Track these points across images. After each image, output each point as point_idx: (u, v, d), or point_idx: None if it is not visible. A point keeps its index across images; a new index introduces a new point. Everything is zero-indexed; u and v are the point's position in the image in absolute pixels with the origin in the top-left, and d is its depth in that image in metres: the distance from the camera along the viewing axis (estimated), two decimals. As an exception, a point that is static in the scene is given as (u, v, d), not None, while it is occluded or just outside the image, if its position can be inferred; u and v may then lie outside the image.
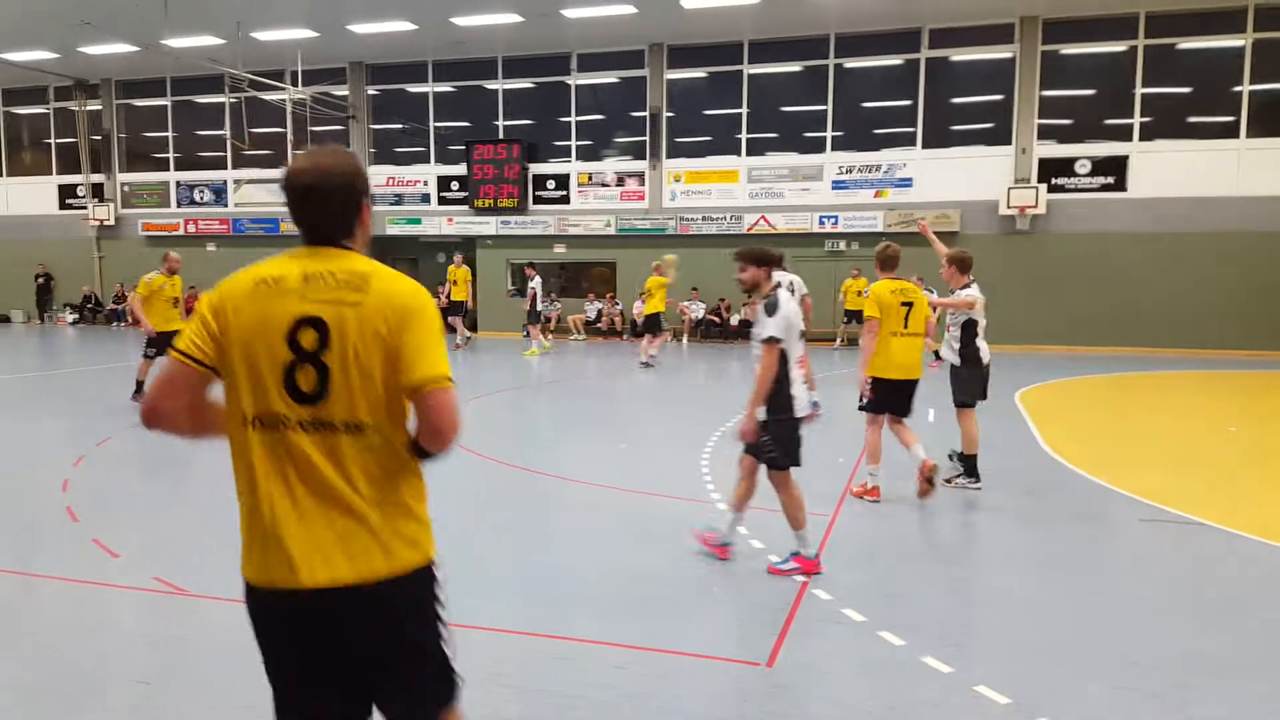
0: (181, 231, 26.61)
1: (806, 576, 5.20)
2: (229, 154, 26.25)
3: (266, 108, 24.73)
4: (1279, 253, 18.84)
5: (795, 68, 22.09)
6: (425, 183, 25.03)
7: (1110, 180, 19.97)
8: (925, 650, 4.19)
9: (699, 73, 22.81)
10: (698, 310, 22.37)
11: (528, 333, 19.79)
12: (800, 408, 5.27)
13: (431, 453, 2.18)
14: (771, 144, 22.39)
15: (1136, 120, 19.84)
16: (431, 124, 24.76)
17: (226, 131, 25.61)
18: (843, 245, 21.68)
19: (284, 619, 2.12)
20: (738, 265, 5.36)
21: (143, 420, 2.19)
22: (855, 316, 19.93)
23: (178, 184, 27.06)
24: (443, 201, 24.86)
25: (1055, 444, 9.26)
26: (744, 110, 22.34)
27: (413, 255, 26.77)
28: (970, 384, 7.44)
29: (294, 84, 22.74)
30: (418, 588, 2.17)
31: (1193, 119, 19.75)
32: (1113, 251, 19.81)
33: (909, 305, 6.95)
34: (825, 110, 21.78)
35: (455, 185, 24.64)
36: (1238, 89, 19.22)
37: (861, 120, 21.73)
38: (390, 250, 26.38)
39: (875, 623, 4.53)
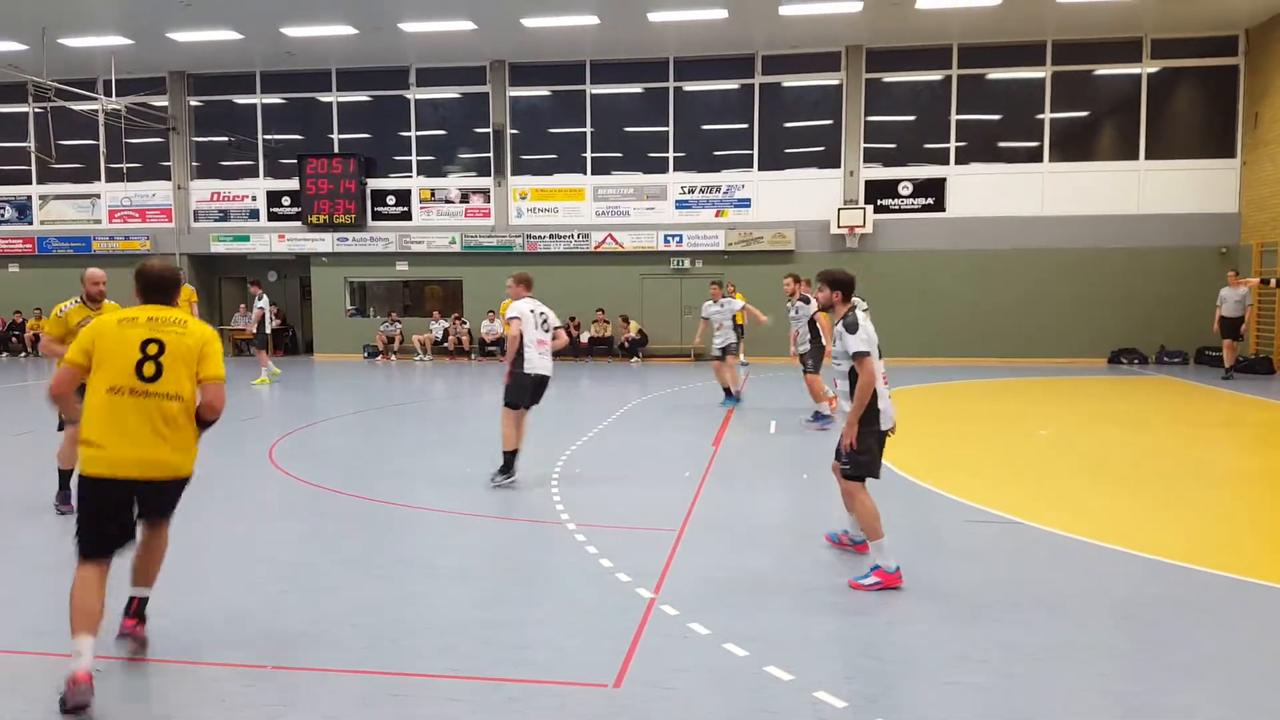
0: (-22, 252, 24.24)
1: (888, 587, 5.25)
2: (34, 168, 24.15)
3: (77, 119, 22.97)
4: (1080, 267, 20.58)
5: (637, 89, 22.44)
6: (254, 198, 23.82)
7: (930, 201, 21.28)
8: (768, 659, 4.24)
9: (542, 91, 22.80)
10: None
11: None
12: (885, 421, 5.43)
13: (207, 420, 4.16)
14: (616, 163, 22.62)
15: (953, 145, 21.24)
16: (260, 137, 23.62)
17: (31, 144, 23.54)
18: (688, 263, 22.11)
19: (107, 494, 3.96)
20: (817, 285, 5.76)
21: (51, 397, 4.17)
22: (738, 331, 20.27)
23: (-28, 200, 24.66)
24: (273, 217, 23.71)
25: (885, 451, 9.67)
26: (588, 129, 22.47)
27: (240, 274, 25.41)
28: (515, 389, 7.92)
29: (107, 94, 21.15)
30: (181, 485, 4.21)
31: (1002, 144, 21.35)
32: (934, 268, 21.10)
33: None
34: (667, 131, 22.21)
35: (287, 200, 23.57)
36: (1040, 117, 20.92)
37: (702, 142, 22.28)
38: (216, 269, 24.99)
39: (720, 635, 4.56)
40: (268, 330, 17.23)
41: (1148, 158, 20.52)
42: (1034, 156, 21.04)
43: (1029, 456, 9.78)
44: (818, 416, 11.38)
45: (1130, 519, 7.00)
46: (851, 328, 5.43)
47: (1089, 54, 20.59)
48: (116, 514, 3.99)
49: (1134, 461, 9.38)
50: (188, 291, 16.93)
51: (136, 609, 4.37)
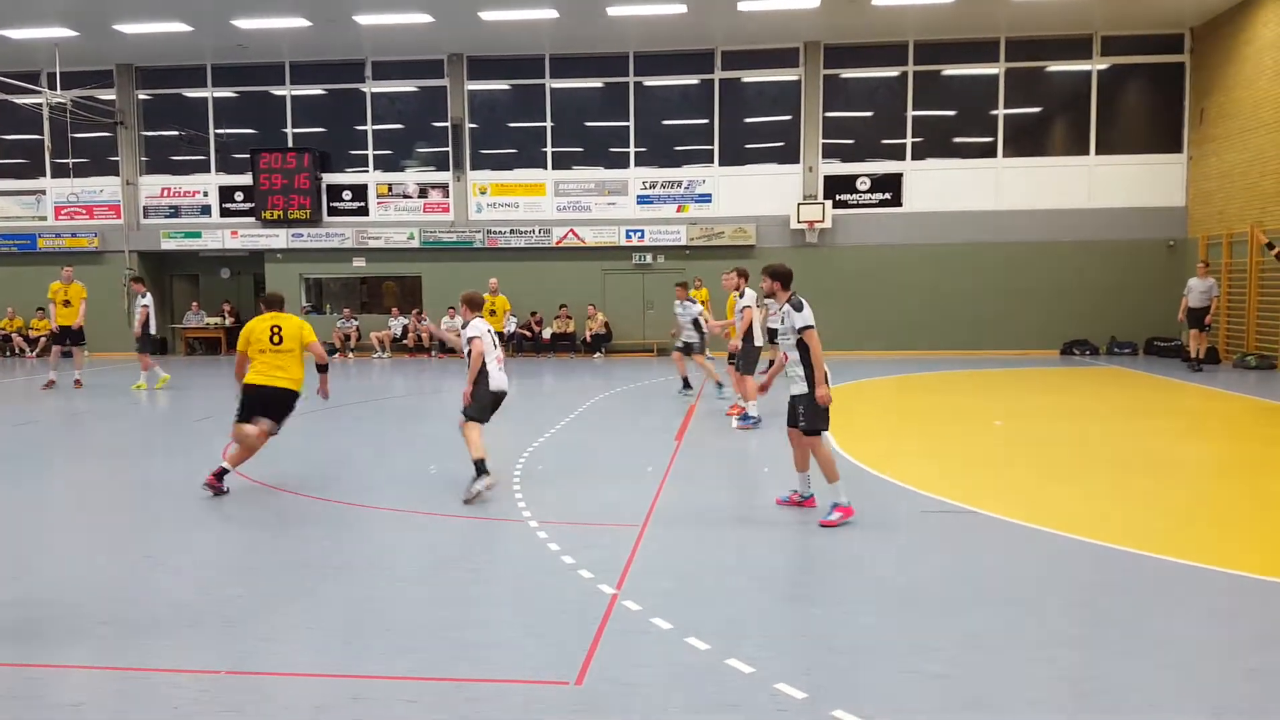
0: (-85, 249, 23.53)
1: (847, 519, 6.52)
2: (-27, 163, 23.50)
3: (20, 112, 22.35)
4: (1033, 260, 20.95)
5: (597, 84, 22.36)
6: (205, 193, 23.38)
7: (887, 196, 21.50)
8: (729, 653, 4.25)
9: (501, 85, 22.64)
10: (509, 325, 22.10)
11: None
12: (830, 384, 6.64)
13: (321, 365, 8.43)
14: (577, 158, 22.53)
15: (909, 141, 21.48)
16: (211, 131, 23.18)
17: (-30, 138, 22.90)
18: (650, 259, 22.11)
19: (260, 395, 7.89)
20: (763, 276, 6.96)
21: (236, 369, 8.12)
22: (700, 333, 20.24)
23: (-92, 195, 23.91)
24: (225, 213, 23.30)
25: (845, 443, 9.78)
26: (548, 124, 22.36)
27: (192, 271, 24.94)
28: (478, 407, 7.76)
29: (51, 87, 20.62)
30: (296, 391, 8.06)
31: (957, 140, 21.62)
32: (892, 262, 21.33)
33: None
34: (628, 126, 22.17)
35: (240, 196, 23.17)
36: (994, 113, 21.23)
37: (663, 137, 22.28)
38: (167, 267, 24.51)
39: (682, 629, 4.56)
40: (151, 331, 15.76)
41: (1098, 153, 20.92)
42: (988, 152, 21.34)
43: (985, 447, 9.92)
44: (745, 417, 10.97)
45: (1083, 507, 7.14)
46: (798, 306, 6.60)
47: (1041, 50, 20.93)
48: (258, 405, 7.89)
49: (1087, 451, 9.56)
50: (78, 289, 15.79)
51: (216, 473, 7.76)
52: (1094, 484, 8.02)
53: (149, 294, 15.87)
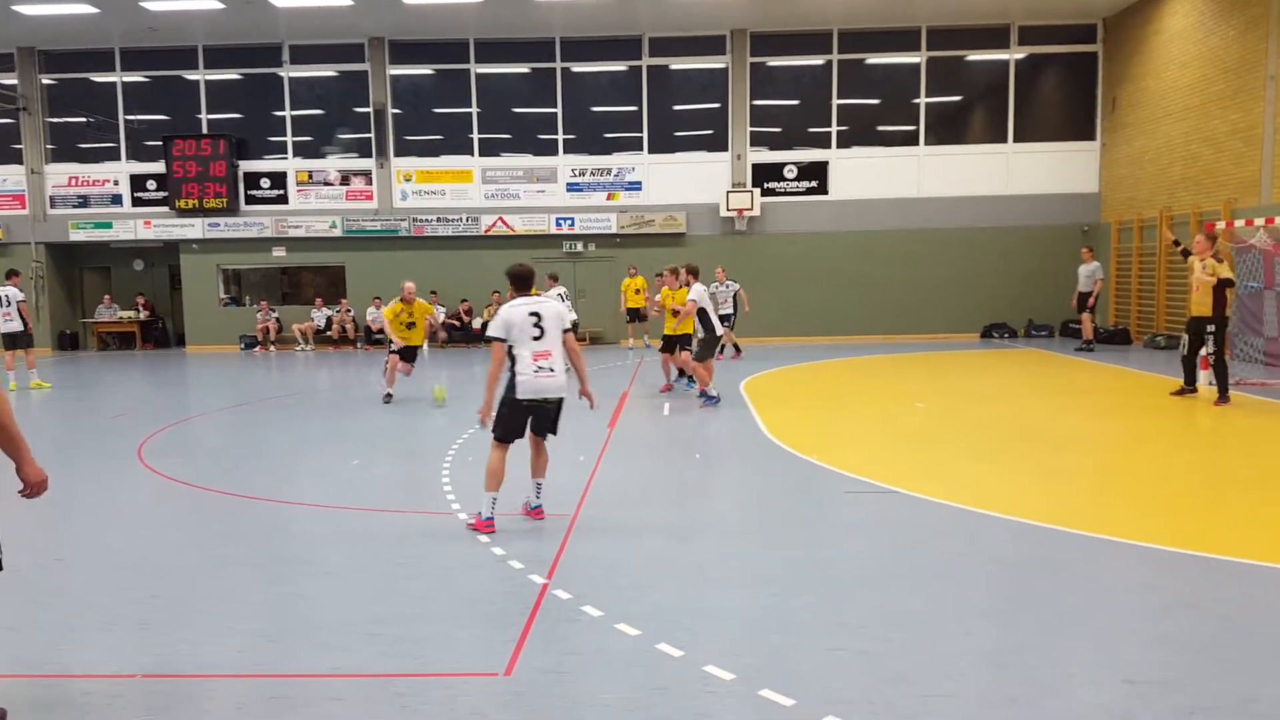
0: None
1: (479, 532, 6.09)
2: None
3: (-88, 96, 21.18)
4: (954, 246, 21.46)
5: (523, 69, 22.11)
6: (116, 182, 22.46)
7: (814, 184, 21.77)
8: (659, 637, 4.27)
9: (425, 70, 22.22)
10: (438, 314, 21.78)
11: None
12: (524, 391, 6.10)
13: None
14: (505, 145, 22.27)
15: (834, 129, 21.76)
16: (121, 117, 22.26)
17: None
18: (580, 246, 22.01)
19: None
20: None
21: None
22: (635, 315, 20.26)
23: None
24: (138, 203, 22.43)
25: (774, 428, 9.90)
26: (475, 110, 22.04)
27: (103, 264, 23.96)
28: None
29: (-55, 69, 19.58)
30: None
31: (881, 128, 21.98)
32: (818, 249, 21.62)
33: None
34: (556, 113, 21.98)
35: (153, 184, 22.32)
36: (916, 101, 21.63)
37: (592, 124, 22.14)
38: (77, 259, 23.51)
39: (612, 616, 4.56)
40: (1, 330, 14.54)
41: (1016, 140, 21.50)
42: (910, 140, 21.75)
43: (907, 429, 10.14)
44: (708, 397, 11.76)
45: (1001, 485, 7.35)
46: (495, 315, 6.25)
47: (961, 40, 21.39)
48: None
49: (1004, 430, 9.84)
50: None
51: None
52: (1011, 461, 8.27)
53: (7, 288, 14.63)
